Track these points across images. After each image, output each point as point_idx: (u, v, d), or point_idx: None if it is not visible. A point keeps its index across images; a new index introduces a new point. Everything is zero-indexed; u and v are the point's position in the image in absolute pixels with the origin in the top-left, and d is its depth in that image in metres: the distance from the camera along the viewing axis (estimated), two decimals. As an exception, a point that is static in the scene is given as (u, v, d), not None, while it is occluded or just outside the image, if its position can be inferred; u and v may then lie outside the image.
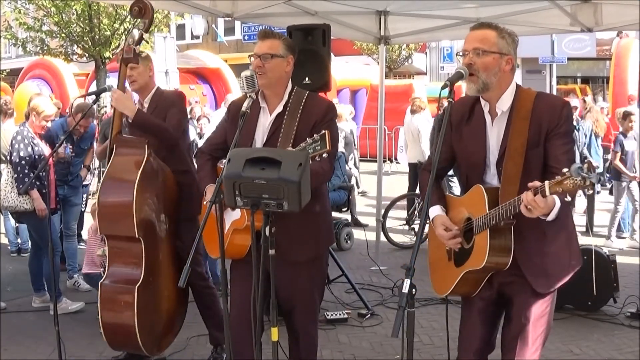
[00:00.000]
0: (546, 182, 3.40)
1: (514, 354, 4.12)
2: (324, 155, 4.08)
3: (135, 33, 5.89)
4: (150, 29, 19.91)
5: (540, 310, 4.11)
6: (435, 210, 4.21)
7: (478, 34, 3.98)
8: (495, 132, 4.05)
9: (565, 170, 3.29)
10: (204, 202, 4.63)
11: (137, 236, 5.62)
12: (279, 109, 4.68)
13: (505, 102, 4.01)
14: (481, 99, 4.08)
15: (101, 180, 5.77)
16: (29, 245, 10.66)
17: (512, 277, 4.03)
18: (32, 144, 7.89)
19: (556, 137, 3.90)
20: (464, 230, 4.09)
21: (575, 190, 3.29)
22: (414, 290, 3.21)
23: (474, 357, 4.29)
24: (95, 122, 11.50)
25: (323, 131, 4.07)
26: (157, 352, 6.04)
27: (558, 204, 3.59)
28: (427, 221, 4.20)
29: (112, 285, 5.77)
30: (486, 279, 4.09)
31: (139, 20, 5.90)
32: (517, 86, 4.07)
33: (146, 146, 5.73)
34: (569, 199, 3.45)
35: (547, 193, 3.40)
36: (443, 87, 3.78)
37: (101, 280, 5.81)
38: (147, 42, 5.99)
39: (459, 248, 4.10)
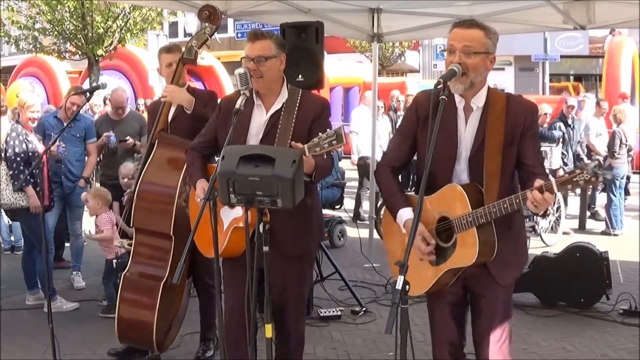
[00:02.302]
0: (552, 180, 3.52)
1: (487, 347, 4.21)
2: (333, 153, 4.11)
3: (202, 36, 6.01)
4: (144, 28, 19.98)
5: (506, 302, 4.26)
6: (407, 213, 4.16)
7: (467, 33, 3.97)
8: (470, 127, 4.10)
9: (566, 170, 3.40)
10: (197, 200, 4.62)
11: (170, 233, 5.69)
12: (277, 105, 4.70)
13: (480, 98, 4.08)
14: (455, 96, 4.10)
15: (142, 174, 5.86)
16: (22, 243, 10.68)
17: (477, 270, 4.07)
18: (26, 140, 7.88)
19: (529, 137, 4.05)
20: (440, 230, 4.09)
21: (586, 186, 3.44)
22: (407, 286, 3.23)
23: (450, 350, 4.33)
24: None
25: (339, 125, 4.10)
26: (163, 348, 6.07)
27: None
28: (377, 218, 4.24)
29: (136, 280, 5.85)
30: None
31: (207, 24, 6.00)
32: (488, 85, 4.15)
33: None
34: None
35: (555, 190, 3.52)
36: (436, 85, 3.80)
37: (124, 273, 5.88)
38: (208, 47, 6.08)
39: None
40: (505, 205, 3.75)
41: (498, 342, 4.21)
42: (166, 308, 5.83)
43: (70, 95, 8.69)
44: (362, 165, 13.44)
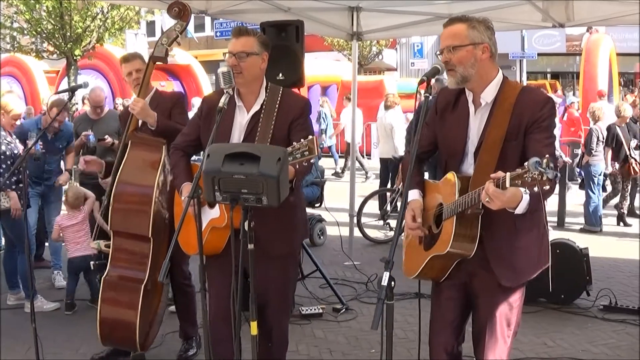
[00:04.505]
0: (507, 174, 3.34)
1: (483, 348, 4.14)
2: (312, 161, 4.10)
3: (171, 33, 5.98)
4: (122, 27, 19.93)
5: (507, 304, 4.11)
6: (413, 194, 4.24)
7: (449, 31, 4.01)
8: (477, 122, 4.07)
9: (525, 163, 3.26)
10: (183, 200, 4.63)
11: (149, 235, 5.67)
12: (256, 107, 4.68)
13: (489, 94, 4.03)
14: (466, 89, 4.11)
15: (117, 176, 5.80)
16: (2, 243, 10.60)
17: (479, 269, 4.05)
18: (5, 141, 7.81)
19: (537, 131, 3.87)
20: (436, 215, 4.13)
21: (533, 184, 3.23)
22: (393, 283, 3.23)
23: (444, 346, 4.28)
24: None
25: (310, 137, 4.03)
26: (145, 348, 6.07)
27: (526, 197, 3.57)
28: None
29: (116, 283, 5.82)
30: (454, 267, 4.12)
31: (177, 21, 5.97)
32: (505, 78, 4.09)
33: (163, 147, 5.78)
34: (527, 192, 3.43)
35: (507, 185, 3.35)
36: (420, 83, 3.82)
37: (104, 276, 5.86)
38: (179, 44, 6.05)
39: (430, 232, 4.14)
40: (474, 196, 3.69)
41: (495, 346, 4.10)
42: (147, 308, 5.83)
43: (57, 109, 8.66)
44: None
